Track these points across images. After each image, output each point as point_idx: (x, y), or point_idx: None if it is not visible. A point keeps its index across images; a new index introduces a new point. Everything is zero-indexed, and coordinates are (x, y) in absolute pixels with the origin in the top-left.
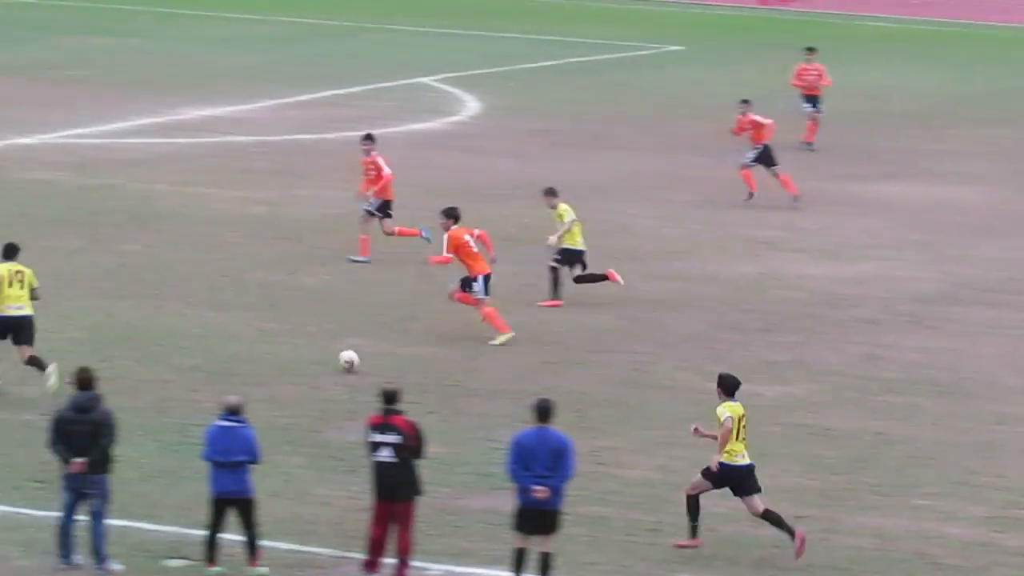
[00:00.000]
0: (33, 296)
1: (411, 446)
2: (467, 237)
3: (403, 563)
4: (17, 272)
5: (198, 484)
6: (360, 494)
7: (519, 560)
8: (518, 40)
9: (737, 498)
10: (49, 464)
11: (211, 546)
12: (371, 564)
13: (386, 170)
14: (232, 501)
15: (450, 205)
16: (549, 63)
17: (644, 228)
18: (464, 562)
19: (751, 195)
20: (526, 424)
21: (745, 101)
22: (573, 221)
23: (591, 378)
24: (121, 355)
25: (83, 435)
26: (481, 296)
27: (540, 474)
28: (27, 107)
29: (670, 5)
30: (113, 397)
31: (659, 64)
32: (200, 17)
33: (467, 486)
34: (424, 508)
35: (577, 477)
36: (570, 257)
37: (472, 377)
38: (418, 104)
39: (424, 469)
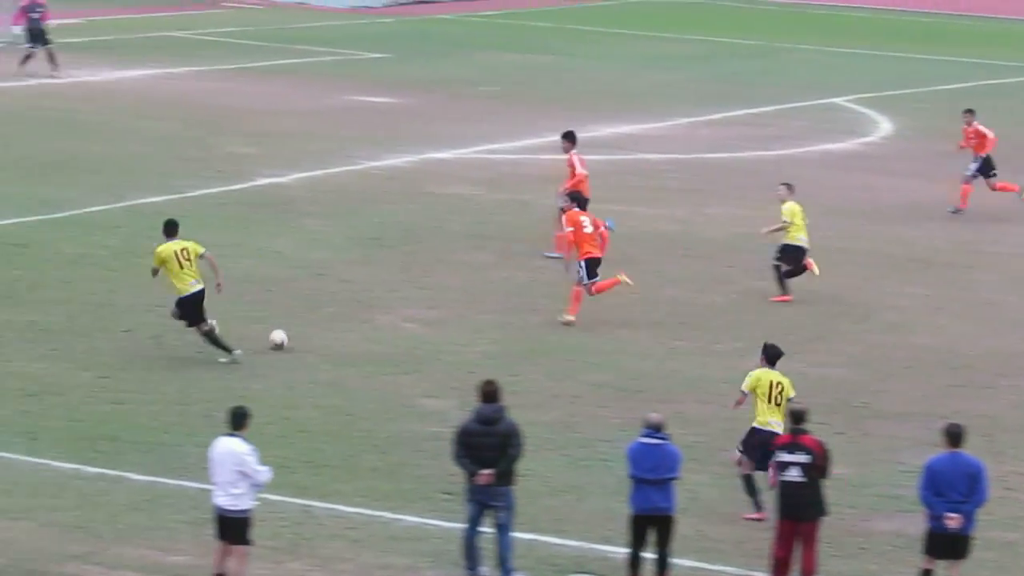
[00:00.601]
0: (201, 257)
1: (820, 466)
2: (583, 219)
3: None
4: (183, 250)
5: (605, 500)
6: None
7: None
8: (931, 61)
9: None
10: (457, 476)
11: (634, 564)
12: None
13: (579, 169)
14: (654, 519)
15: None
16: (963, 85)
17: None
18: None
19: (958, 210)
20: (934, 447)
21: (969, 111)
22: (789, 222)
23: (1000, 402)
24: (530, 370)
25: (489, 447)
26: (581, 277)
27: (954, 500)
28: (444, 122)
29: None
30: (522, 411)
31: None
32: (614, 35)
33: (873, 508)
34: (829, 529)
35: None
36: (791, 253)
37: (880, 399)
38: (830, 124)
39: (829, 490)
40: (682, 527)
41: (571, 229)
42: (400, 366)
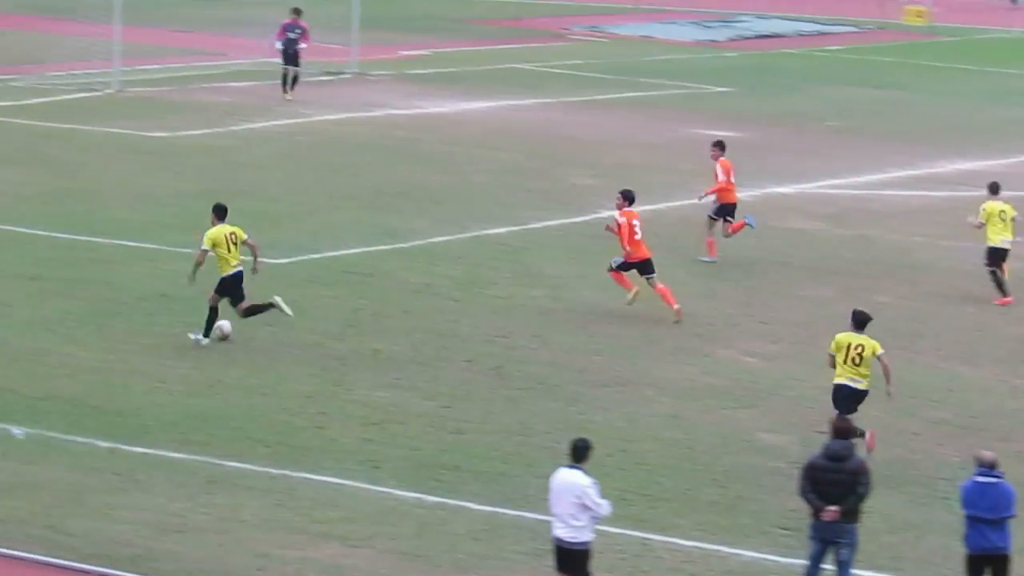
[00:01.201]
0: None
1: None
2: (635, 222)
3: None
4: (231, 233)
5: (943, 538)
6: None
7: None
8: None
9: None
10: (797, 511)
11: None
12: None
13: (720, 177)
14: (991, 558)
15: (628, 188)
16: None
17: None
18: None
19: None
20: None
21: None
22: (982, 222)
23: None
24: (870, 406)
25: (836, 484)
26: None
27: None
28: (788, 156)
29: None
30: (862, 448)
31: None
32: (960, 71)
33: None
34: None
35: None
36: (992, 255)
37: None
38: None
39: None
40: (1021, 567)
41: (623, 220)
42: (739, 400)
